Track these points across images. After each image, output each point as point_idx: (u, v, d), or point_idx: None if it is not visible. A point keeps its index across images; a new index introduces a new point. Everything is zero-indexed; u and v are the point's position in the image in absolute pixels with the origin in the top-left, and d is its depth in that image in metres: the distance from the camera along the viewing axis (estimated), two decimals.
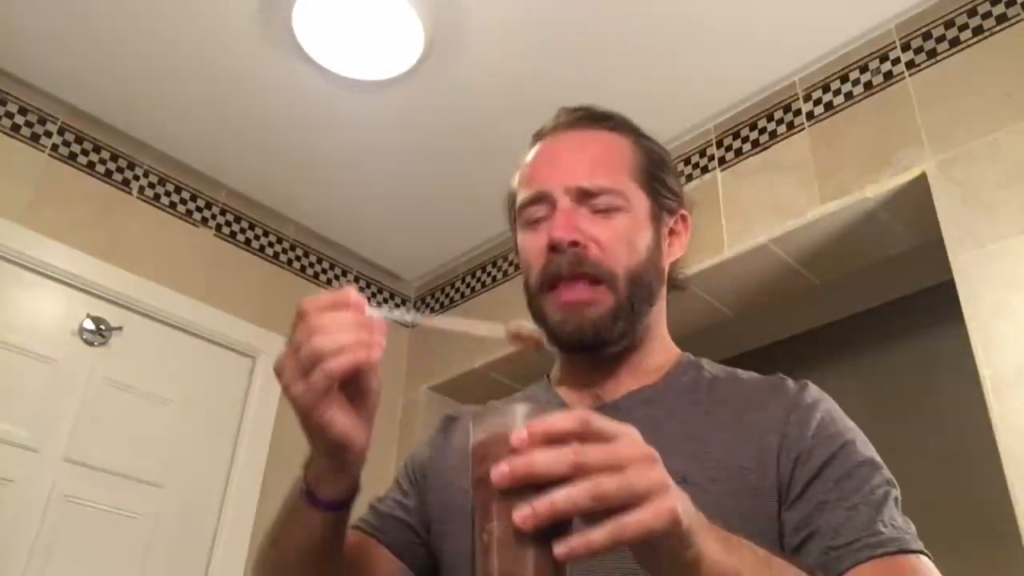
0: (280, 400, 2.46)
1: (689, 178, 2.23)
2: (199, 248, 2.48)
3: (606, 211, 0.84)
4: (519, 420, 0.52)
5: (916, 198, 1.78)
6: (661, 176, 0.90)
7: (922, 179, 1.75)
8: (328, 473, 0.70)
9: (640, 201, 0.87)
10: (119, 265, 2.26)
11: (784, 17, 1.93)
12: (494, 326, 0.76)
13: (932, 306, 2.25)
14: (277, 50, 2.07)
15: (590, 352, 0.84)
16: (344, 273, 2.82)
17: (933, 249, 1.73)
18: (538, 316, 0.85)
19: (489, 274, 2.73)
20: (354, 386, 0.66)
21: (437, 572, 0.86)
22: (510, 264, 2.66)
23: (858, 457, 0.73)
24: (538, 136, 0.93)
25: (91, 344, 2.17)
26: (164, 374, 2.29)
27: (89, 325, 2.18)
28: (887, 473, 0.73)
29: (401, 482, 0.93)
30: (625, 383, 0.85)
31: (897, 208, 1.84)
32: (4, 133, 2.18)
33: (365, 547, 0.85)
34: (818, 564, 0.67)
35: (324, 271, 2.78)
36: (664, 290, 0.90)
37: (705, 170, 2.20)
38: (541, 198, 0.85)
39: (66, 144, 2.28)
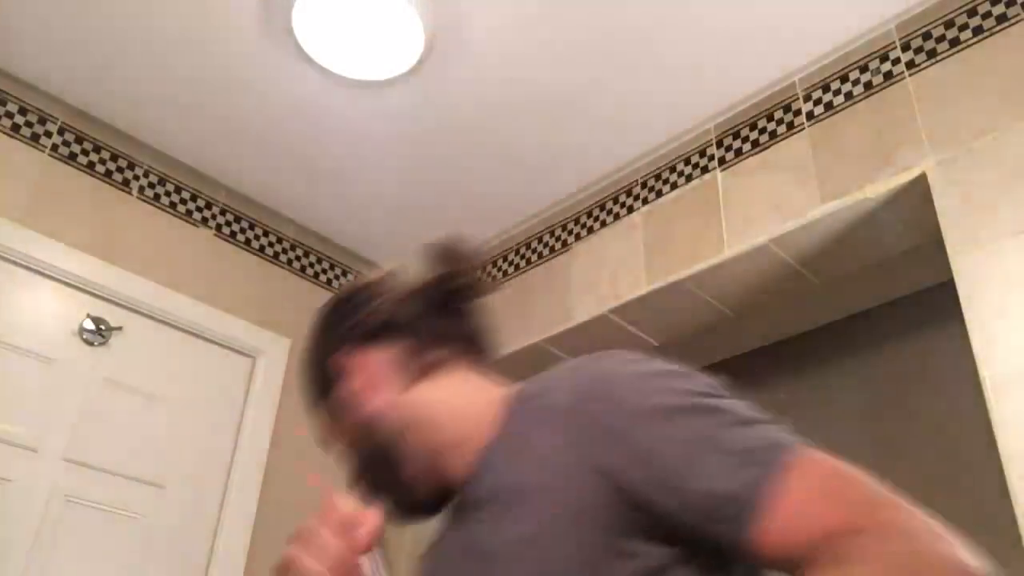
0: (280, 400, 2.46)
1: (689, 178, 2.23)
2: (199, 248, 2.48)
3: (354, 423, 0.87)
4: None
5: (916, 198, 1.78)
6: (327, 373, 0.90)
7: (922, 179, 1.75)
8: None
9: (339, 401, 0.88)
10: (119, 265, 2.26)
11: (784, 17, 1.93)
12: None
13: (932, 306, 2.25)
14: (277, 50, 2.07)
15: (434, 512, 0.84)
16: (344, 273, 2.82)
17: (933, 249, 1.73)
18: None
19: (489, 274, 2.73)
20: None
21: None
22: (510, 264, 2.66)
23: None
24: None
25: (91, 344, 2.17)
26: (164, 374, 2.29)
27: (89, 325, 2.18)
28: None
29: None
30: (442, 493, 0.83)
31: (897, 208, 1.84)
32: (4, 133, 2.18)
33: None
34: None
35: (324, 271, 2.78)
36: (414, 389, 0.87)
37: (705, 170, 2.20)
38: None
39: (66, 144, 2.28)
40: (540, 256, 2.58)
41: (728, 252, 2.03)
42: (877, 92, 1.92)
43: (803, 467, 0.59)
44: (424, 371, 0.84)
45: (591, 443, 0.65)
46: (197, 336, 2.39)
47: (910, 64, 1.88)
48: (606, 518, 0.63)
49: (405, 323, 0.86)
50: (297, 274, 2.71)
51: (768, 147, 2.09)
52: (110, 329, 2.21)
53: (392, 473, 0.81)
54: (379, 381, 0.84)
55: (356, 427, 0.84)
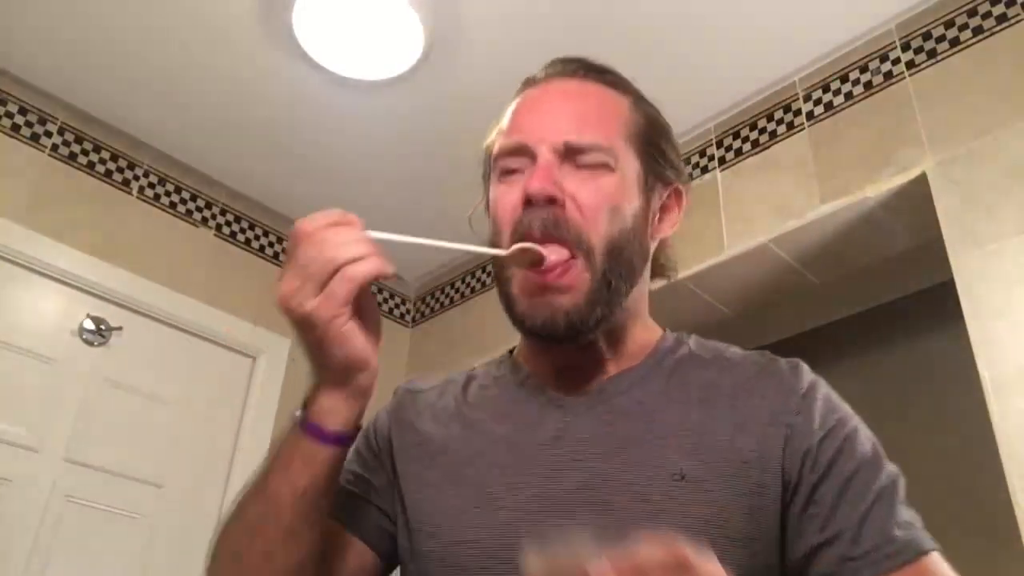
0: (280, 400, 2.46)
1: (689, 178, 2.23)
2: (199, 248, 2.48)
3: (592, 169, 0.75)
4: (592, 553, 0.46)
5: (916, 198, 1.78)
6: (657, 142, 0.82)
7: (922, 179, 1.74)
8: (337, 401, 0.68)
9: (631, 165, 0.78)
10: (119, 265, 2.26)
11: (784, 17, 1.93)
12: (493, 250, 0.76)
13: (932, 306, 2.25)
14: (277, 50, 2.07)
15: (563, 343, 0.75)
16: None
17: (933, 249, 1.73)
18: (504, 289, 0.77)
19: (489, 274, 2.73)
20: (356, 306, 0.65)
21: (403, 571, 0.77)
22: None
23: (862, 448, 0.70)
24: (526, 84, 0.84)
25: (91, 344, 2.17)
26: (164, 374, 2.29)
27: (89, 325, 2.18)
28: (888, 463, 0.71)
29: (364, 454, 0.82)
30: (605, 367, 0.77)
31: (897, 208, 1.84)
32: (4, 133, 2.18)
33: (327, 534, 0.74)
34: (835, 572, 0.65)
35: None
36: (647, 270, 0.81)
37: (705, 170, 2.20)
38: (520, 150, 0.76)
39: (66, 144, 2.28)
40: None
41: (728, 252, 2.03)
42: (877, 92, 1.92)
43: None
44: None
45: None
46: (197, 336, 2.39)
47: (910, 64, 1.88)
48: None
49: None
50: None
51: (768, 147, 2.09)
52: (110, 329, 2.21)
53: (603, 299, 0.73)
54: (667, 228, 0.83)
55: (611, 225, 0.74)
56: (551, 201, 0.72)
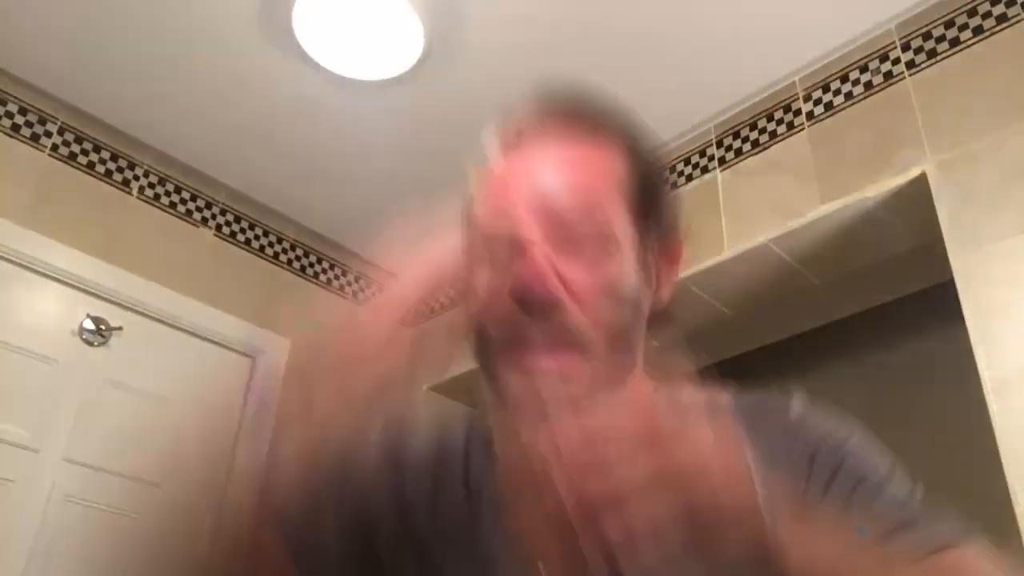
0: (280, 399, 2.45)
1: (689, 178, 2.23)
2: (199, 248, 2.48)
3: (591, 249, 0.67)
4: None
5: (916, 198, 1.77)
6: (656, 203, 0.75)
7: (922, 179, 1.74)
8: None
9: (629, 238, 0.70)
10: (119, 265, 2.26)
11: (784, 17, 1.93)
12: None
13: (932, 306, 2.25)
14: (277, 50, 2.07)
15: None
16: (344, 273, 2.82)
17: (933, 249, 1.73)
18: (492, 375, 0.69)
19: None
20: None
21: None
22: None
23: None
24: (507, 138, 0.74)
25: (91, 344, 2.17)
26: (164, 374, 2.29)
27: (89, 325, 2.18)
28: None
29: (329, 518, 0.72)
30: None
31: (897, 208, 1.84)
32: (4, 133, 2.18)
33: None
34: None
35: (324, 271, 2.78)
36: (643, 334, 0.73)
37: (705, 170, 2.20)
38: (509, 239, 0.67)
39: (66, 144, 2.28)
40: None
41: (728, 252, 2.03)
42: (877, 92, 1.92)
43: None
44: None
45: None
46: (197, 336, 2.39)
47: (910, 64, 1.88)
48: None
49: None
50: (297, 274, 2.71)
51: (768, 147, 2.09)
52: (110, 329, 2.21)
53: (600, 383, 0.65)
54: (666, 293, 0.75)
55: (613, 312, 0.67)
56: (550, 304, 0.64)
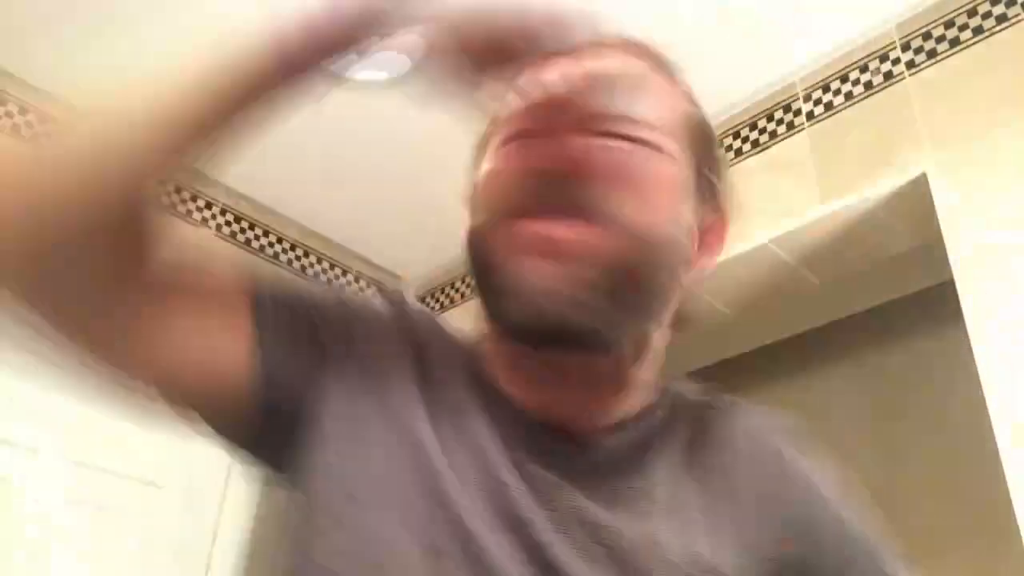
0: None
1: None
2: (199, 248, 2.48)
3: (643, 144, 0.56)
4: None
5: (916, 198, 1.78)
6: (714, 153, 0.67)
7: (922, 179, 1.74)
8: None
9: (685, 165, 0.61)
10: None
11: (784, 17, 1.93)
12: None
13: (932, 306, 2.25)
14: None
15: (549, 341, 0.54)
16: (344, 273, 2.82)
17: (933, 249, 1.73)
18: (483, 270, 0.56)
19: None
20: None
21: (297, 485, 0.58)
22: None
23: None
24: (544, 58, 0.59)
25: None
26: None
27: None
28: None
29: (325, 319, 0.62)
30: (601, 404, 0.60)
31: (897, 208, 1.84)
32: (4, 133, 2.18)
33: (209, 285, 0.59)
34: None
35: (324, 271, 2.78)
36: (674, 301, 0.62)
37: None
38: (544, 107, 0.56)
39: None
40: None
41: (728, 252, 2.03)
42: (877, 92, 1.92)
43: None
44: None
45: None
46: None
47: (910, 64, 1.88)
48: None
49: None
50: (297, 274, 2.71)
51: (768, 147, 2.09)
52: None
53: (619, 295, 0.54)
54: (706, 262, 0.68)
55: (655, 214, 0.57)
56: (573, 173, 0.53)
